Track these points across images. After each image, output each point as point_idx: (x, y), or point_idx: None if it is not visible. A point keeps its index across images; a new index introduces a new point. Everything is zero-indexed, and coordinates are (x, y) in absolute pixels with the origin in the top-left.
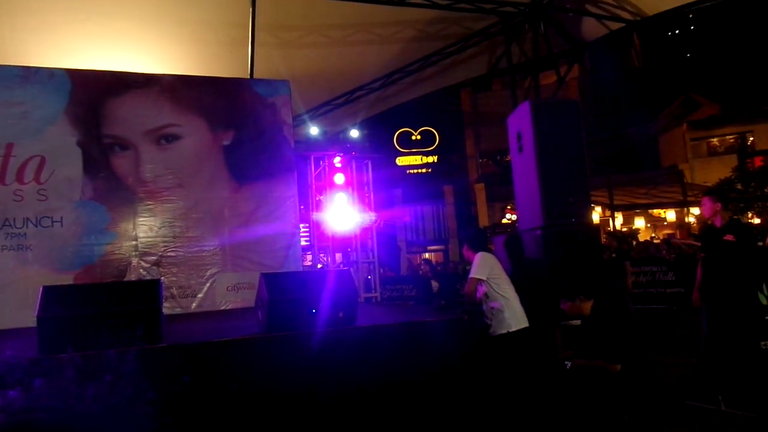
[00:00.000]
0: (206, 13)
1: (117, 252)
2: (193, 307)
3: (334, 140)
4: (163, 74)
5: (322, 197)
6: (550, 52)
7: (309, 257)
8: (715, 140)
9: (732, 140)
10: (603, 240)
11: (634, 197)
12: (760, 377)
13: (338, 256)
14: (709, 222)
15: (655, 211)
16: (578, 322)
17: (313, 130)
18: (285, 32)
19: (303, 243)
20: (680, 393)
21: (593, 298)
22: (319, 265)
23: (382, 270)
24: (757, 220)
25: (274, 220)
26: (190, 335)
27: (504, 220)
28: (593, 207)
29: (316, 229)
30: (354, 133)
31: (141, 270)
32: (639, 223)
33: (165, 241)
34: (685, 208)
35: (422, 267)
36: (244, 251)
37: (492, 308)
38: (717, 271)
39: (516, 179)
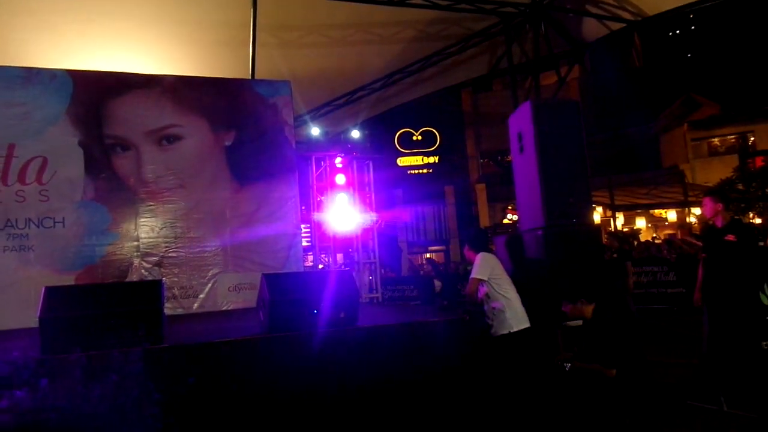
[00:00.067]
0: (207, 14)
1: (118, 252)
2: (194, 307)
3: (335, 141)
4: (165, 75)
5: (323, 198)
6: (551, 52)
7: (310, 258)
8: (715, 140)
9: (733, 140)
10: (604, 240)
11: (635, 197)
12: (761, 377)
13: (339, 257)
14: (711, 222)
15: (656, 212)
16: (580, 322)
17: (315, 131)
18: (286, 32)
19: (304, 243)
20: (682, 393)
21: (595, 301)
22: (321, 266)
23: (383, 271)
24: (758, 220)
25: (276, 221)
26: (192, 336)
27: (505, 221)
28: (594, 207)
29: (317, 229)
30: (355, 134)
31: (142, 270)
32: (640, 223)
33: (166, 242)
34: (686, 209)
35: (425, 267)
36: (246, 252)
37: (493, 308)
38: (718, 272)
39: (517, 179)
